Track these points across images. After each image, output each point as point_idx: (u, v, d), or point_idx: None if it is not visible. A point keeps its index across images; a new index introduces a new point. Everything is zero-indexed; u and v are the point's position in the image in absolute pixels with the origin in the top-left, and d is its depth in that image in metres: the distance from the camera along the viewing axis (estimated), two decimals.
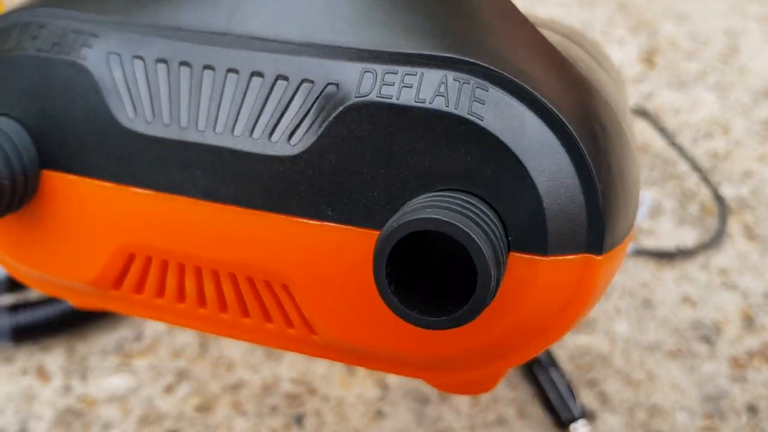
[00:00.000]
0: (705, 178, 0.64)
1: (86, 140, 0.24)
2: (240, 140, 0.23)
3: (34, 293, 0.53)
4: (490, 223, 0.19)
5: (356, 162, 0.21)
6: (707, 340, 0.51)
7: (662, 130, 0.69)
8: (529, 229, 0.20)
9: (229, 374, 0.51)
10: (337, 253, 0.22)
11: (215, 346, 0.53)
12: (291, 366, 0.51)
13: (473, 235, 0.17)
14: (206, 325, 0.26)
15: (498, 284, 0.18)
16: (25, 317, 0.50)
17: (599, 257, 0.21)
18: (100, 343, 0.52)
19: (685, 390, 0.48)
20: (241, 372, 0.51)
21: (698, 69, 0.82)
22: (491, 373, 0.24)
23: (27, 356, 0.51)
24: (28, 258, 0.27)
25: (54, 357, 0.51)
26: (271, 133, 0.22)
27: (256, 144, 0.22)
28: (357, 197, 0.21)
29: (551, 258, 0.20)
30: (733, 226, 0.60)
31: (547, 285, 0.21)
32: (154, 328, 0.53)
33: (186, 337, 0.53)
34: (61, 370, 0.51)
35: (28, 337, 0.51)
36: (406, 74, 0.21)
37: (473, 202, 0.19)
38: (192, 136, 0.23)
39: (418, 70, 0.21)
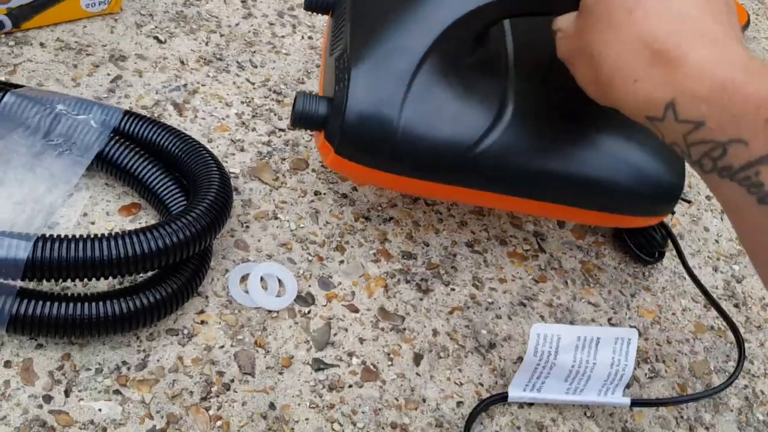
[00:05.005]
0: None
1: None
2: None
3: (49, 285, 0.42)
4: None
5: None
6: None
7: None
8: None
9: None
10: None
11: (216, 402, 0.41)
12: None
13: None
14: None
15: None
16: (27, 308, 0.39)
17: None
18: (98, 358, 0.42)
19: None
20: None
21: None
22: None
23: (17, 348, 0.41)
24: None
25: (45, 359, 0.41)
26: None
27: None
28: None
29: None
30: None
31: None
32: (161, 359, 0.42)
33: (189, 381, 0.42)
34: (48, 375, 0.40)
35: (24, 331, 0.39)
36: None
37: None
38: None
39: None
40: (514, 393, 0.44)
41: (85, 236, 0.39)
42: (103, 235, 0.40)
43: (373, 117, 0.42)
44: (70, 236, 0.39)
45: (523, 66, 0.47)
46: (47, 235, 0.39)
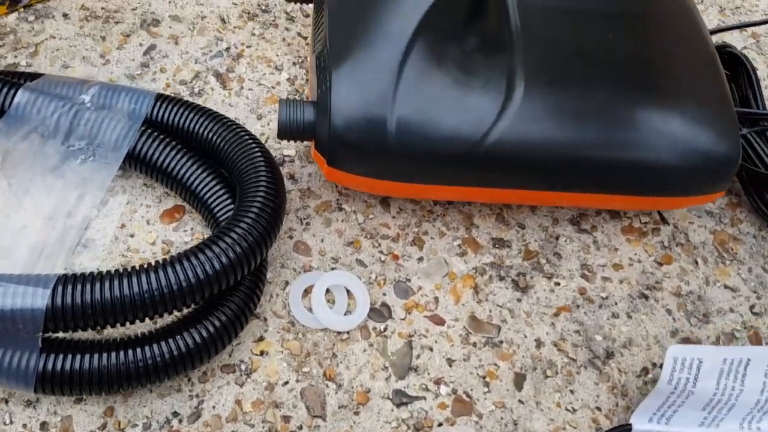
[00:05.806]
0: None
1: None
2: None
3: (76, 335, 0.36)
4: None
5: None
6: None
7: None
8: None
9: None
10: None
11: None
12: None
13: None
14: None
15: None
16: (56, 363, 0.33)
17: None
18: (145, 410, 0.36)
19: None
20: None
21: None
22: None
23: (54, 405, 0.35)
24: None
25: (86, 415, 0.35)
26: None
27: None
28: None
29: None
30: None
31: None
32: (217, 405, 0.36)
33: (248, 427, 0.35)
34: None
35: (55, 390, 0.33)
36: None
37: None
38: None
39: None
40: (639, 426, 0.36)
41: (113, 272, 0.33)
42: (133, 268, 0.33)
43: (363, 119, 0.37)
44: (95, 273, 0.33)
45: (532, 31, 0.38)
46: (68, 275, 0.32)
